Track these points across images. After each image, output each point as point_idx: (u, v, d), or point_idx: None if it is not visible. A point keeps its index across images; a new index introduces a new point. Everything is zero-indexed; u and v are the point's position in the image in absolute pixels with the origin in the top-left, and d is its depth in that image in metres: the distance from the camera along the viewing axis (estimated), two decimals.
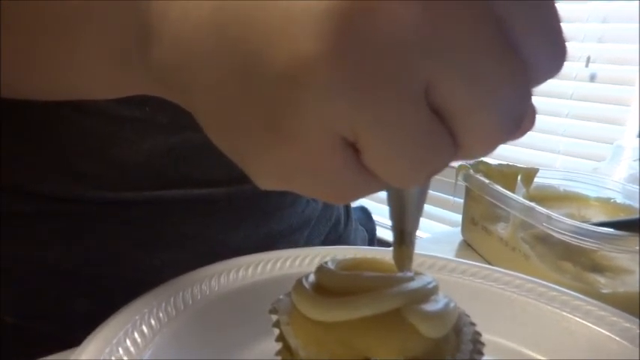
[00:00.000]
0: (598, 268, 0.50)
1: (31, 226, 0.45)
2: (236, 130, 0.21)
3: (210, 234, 0.48)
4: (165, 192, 0.46)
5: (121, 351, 0.29)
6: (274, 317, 0.30)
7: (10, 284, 0.45)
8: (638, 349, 0.34)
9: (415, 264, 0.42)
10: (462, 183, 0.60)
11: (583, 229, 0.45)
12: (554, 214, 0.47)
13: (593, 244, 0.45)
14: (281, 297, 0.31)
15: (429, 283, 0.28)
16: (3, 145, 0.44)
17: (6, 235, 0.44)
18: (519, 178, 0.59)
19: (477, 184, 0.57)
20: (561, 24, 0.19)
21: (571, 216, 0.56)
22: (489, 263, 0.55)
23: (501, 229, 0.56)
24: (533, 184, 0.61)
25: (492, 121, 0.20)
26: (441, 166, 0.21)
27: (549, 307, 0.39)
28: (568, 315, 0.38)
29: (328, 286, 0.28)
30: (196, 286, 0.36)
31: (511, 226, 0.54)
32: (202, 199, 0.48)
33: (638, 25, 1.25)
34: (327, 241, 0.61)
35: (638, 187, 0.62)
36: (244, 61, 0.20)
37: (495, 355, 0.36)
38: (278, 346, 0.29)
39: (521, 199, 0.51)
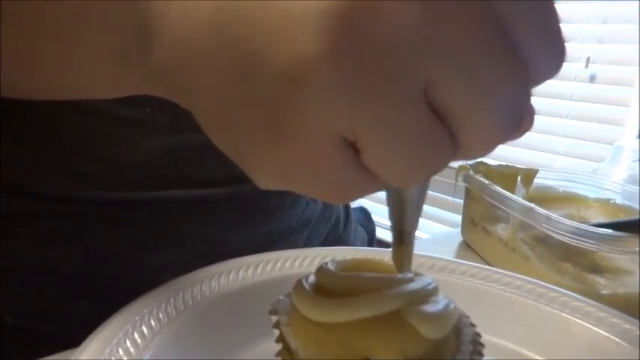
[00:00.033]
0: (598, 269, 0.50)
1: (31, 226, 0.45)
2: (236, 129, 0.21)
3: (210, 234, 0.48)
4: (165, 192, 0.46)
5: (121, 351, 0.29)
6: (274, 318, 0.30)
7: (10, 284, 0.45)
8: (637, 350, 0.34)
9: (415, 265, 0.42)
10: (461, 184, 0.60)
11: (582, 230, 0.45)
12: (553, 215, 0.47)
13: (593, 245, 0.45)
14: (281, 298, 0.31)
15: (429, 284, 0.28)
16: (3, 145, 0.44)
17: (6, 235, 0.44)
18: (519, 179, 0.59)
19: (477, 185, 0.57)
20: (561, 24, 0.19)
21: (571, 217, 0.56)
22: (489, 264, 0.55)
23: (501, 229, 0.56)
24: (533, 185, 0.61)
25: (492, 121, 0.20)
26: (441, 166, 0.21)
27: (549, 308, 0.39)
28: (568, 316, 0.38)
29: (328, 287, 0.28)
30: (196, 287, 0.36)
31: (511, 227, 0.54)
32: (202, 199, 0.48)
33: (637, 25, 1.25)
34: (326, 242, 0.61)
35: (637, 188, 0.62)
36: (244, 61, 0.20)
37: (495, 356, 0.36)
38: (278, 347, 0.29)
39: (520, 200, 0.51)
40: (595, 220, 0.57)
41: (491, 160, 0.62)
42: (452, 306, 0.28)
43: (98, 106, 0.43)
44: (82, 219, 0.45)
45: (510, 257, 0.53)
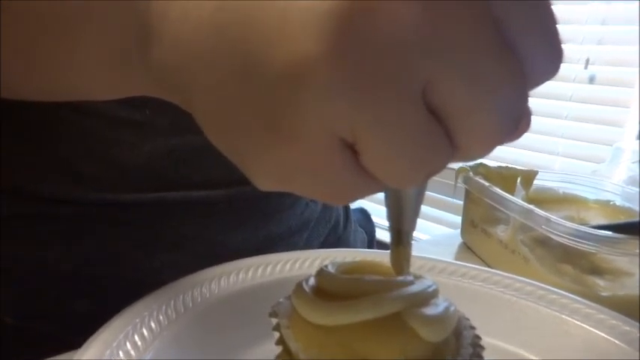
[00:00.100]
0: (597, 271, 0.50)
1: (31, 227, 0.45)
2: (236, 130, 0.21)
3: (209, 235, 0.48)
4: (165, 194, 0.46)
5: (121, 354, 0.29)
6: (274, 320, 0.30)
7: (10, 284, 0.45)
8: (637, 352, 0.34)
9: (415, 267, 0.42)
10: (461, 185, 0.60)
11: (582, 231, 0.45)
12: (553, 217, 0.47)
13: (593, 247, 0.45)
14: (281, 300, 0.31)
15: (429, 286, 0.28)
16: (3, 146, 0.44)
17: (6, 235, 0.44)
18: (519, 180, 0.59)
19: (477, 187, 0.57)
20: (560, 26, 0.19)
21: (570, 218, 0.56)
22: (489, 266, 0.55)
23: (501, 231, 0.56)
24: (533, 187, 0.61)
25: (490, 123, 0.20)
26: (439, 167, 0.21)
27: (548, 310, 0.39)
28: (567, 318, 0.38)
29: (328, 290, 0.28)
30: (197, 289, 0.36)
31: (510, 229, 0.54)
32: (202, 200, 0.48)
33: (637, 26, 1.25)
34: (326, 243, 0.61)
35: (637, 189, 0.62)
36: (244, 62, 0.20)
37: (495, 358, 0.36)
38: (278, 349, 0.29)
39: (520, 202, 0.51)
40: (595, 222, 0.57)
41: (490, 161, 0.62)
42: (452, 309, 0.28)
43: (98, 108, 0.43)
44: (82, 220, 0.45)
45: (510, 259, 0.53)
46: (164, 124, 0.45)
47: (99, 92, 0.32)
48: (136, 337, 0.31)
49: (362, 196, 0.23)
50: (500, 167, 0.61)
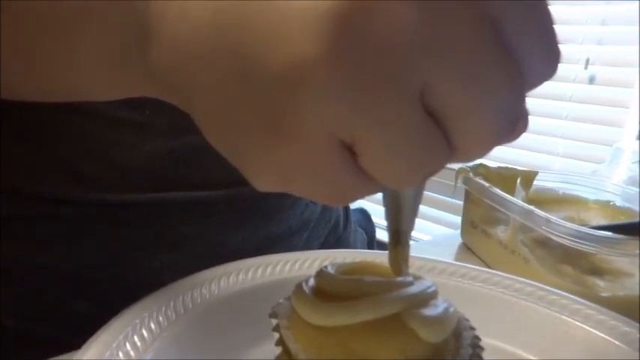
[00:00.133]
0: (597, 271, 0.50)
1: (31, 228, 0.45)
2: (235, 131, 0.21)
3: (209, 236, 0.48)
4: (165, 194, 0.46)
5: (121, 355, 0.29)
6: (274, 321, 0.30)
7: (10, 285, 0.45)
8: (637, 353, 0.34)
9: (415, 268, 0.42)
10: (461, 186, 0.60)
11: (582, 232, 0.45)
12: (553, 218, 0.47)
13: (593, 248, 0.45)
14: (281, 301, 0.31)
15: (429, 287, 0.28)
16: (3, 147, 0.44)
17: (6, 236, 0.44)
18: (519, 181, 0.59)
19: (477, 188, 0.57)
20: (559, 27, 0.19)
21: (570, 219, 0.56)
22: (489, 266, 0.55)
23: (501, 232, 0.56)
24: (533, 187, 0.61)
25: (487, 124, 0.20)
26: (437, 168, 0.21)
27: (548, 311, 0.39)
28: (567, 319, 0.38)
29: (328, 291, 0.28)
30: (196, 290, 0.36)
31: (510, 230, 0.54)
32: (202, 201, 0.48)
33: (637, 27, 1.25)
34: (326, 243, 0.61)
35: (637, 189, 0.62)
36: (244, 64, 0.20)
37: (494, 359, 0.36)
38: (278, 350, 0.29)
39: (520, 203, 0.51)
40: (595, 222, 0.57)
41: (490, 162, 0.62)
42: (451, 309, 0.28)
43: (98, 109, 0.43)
44: (82, 220, 0.45)
45: (510, 260, 0.53)
46: (163, 125, 0.45)
47: (99, 92, 0.32)
48: (136, 338, 0.31)
49: (360, 196, 0.23)
50: (500, 168, 0.61)
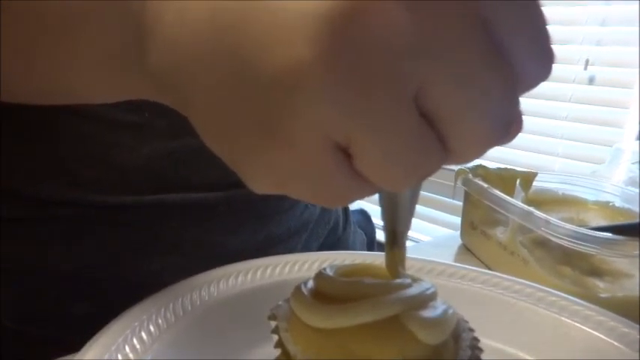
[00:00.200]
0: (597, 272, 0.50)
1: (31, 229, 0.45)
2: (231, 133, 0.21)
3: (209, 237, 0.48)
4: (164, 196, 0.46)
5: (120, 357, 0.29)
6: (273, 323, 0.30)
7: (10, 286, 0.45)
8: (637, 354, 0.34)
9: (414, 269, 0.42)
10: (460, 187, 0.60)
11: (581, 233, 0.45)
12: (552, 219, 0.47)
13: (592, 249, 0.45)
14: (280, 303, 0.31)
15: (428, 289, 0.28)
16: (3, 149, 0.44)
17: (6, 237, 0.44)
18: (518, 182, 0.59)
19: (476, 189, 0.57)
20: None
21: (570, 220, 0.56)
22: (488, 268, 0.55)
23: (500, 233, 0.56)
24: (532, 188, 0.61)
25: (482, 127, 0.20)
26: (433, 170, 0.21)
27: (548, 312, 0.39)
28: (567, 320, 0.38)
29: (327, 293, 0.28)
30: (195, 292, 0.36)
31: (510, 231, 0.54)
32: (201, 203, 0.48)
33: (637, 27, 1.25)
34: (325, 245, 0.61)
35: (637, 190, 0.62)
36: (241, 66, 0.20)
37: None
38: (277, 352, 0.29)
39: (519, 204, 0.51)
40: (594, 223, 0.57)
41: (490, 163, 0.62)
42: (450, 311, 0.28)
43: (97, 111, 0.43)
44: (82, 222, 0.45)
45: (509, 261, 0.53)
46: (163, 127, 0.45)
47: (98, 93, 0.32)
48: (135, 341, 0.31)
49: (356, 198, 0.23)
50: (499, 169, 0.61)
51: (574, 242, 0.45)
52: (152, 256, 0.46)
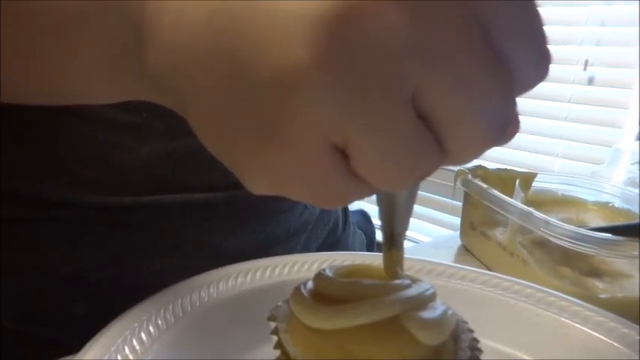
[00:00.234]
0: (596, 273, 0.50)
1: (30, 230, 0.45)
2: (229, 134, 0.22)
3: (208, 238, 0.48)
4: (163, 196, 0.46)
5: (119, 358, 0.29)
6: (273, 324, 0.30)
7: (10, 287, 0.45)
8: (637, 354, 0.34)
9: (414, 270, 0.42)
10: (460, 187, 0.60)
11: (581, 234, 0.45)
12: (551, 220, 0.47)
13: (592, 250, 0.45)
14: (279, 304, 0.31)
15: (427, 290, 0.28)
16: (3, 149, 0.44)
17: (6, 238, 0.44)
18: (518, 182, 0.59)
19: (476, 189, 0.57)
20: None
21: (569, 220, 0.56)
22: (488, 268, 0.55)
23: (500, 234, 0.56)
24: (532, 189, 0.61)
25: (479, 129, 0.20)
26: (430, 171, 0.21)
27: (547, 313, 0.39)
28: (566, 320, 0.38)
29: (326, 294, 0.28)
30: (195, 293, 0.36)
31: (509, 231, 0.54)
32: (201, 203, 0.48)
33: (636, 28, 1.25)
34: (324, 245, 0.61)
35: (636, 190, 0.62)
36: (238, 68, 0.20)
37: None
38: (276, 353, 0.29)
39: (519, 204, 0.51)
40: (594, 224, 0.57)
41: (489, 163, 0.62)
42: (449, 312, 0.28)
43: (96, 112, 0.43)
44: (81, 223, 0.45)
45: (509, 261, 0.53)
46: (161, 127, 0.45)
47: (98, 94, 0.32)
48: (134, 342, 0.31)
49: (353, 200, 0.23)
50: (499, 169, 0.61)
51: (574, 243, 0.45)
52: (152, 257, 0.46)
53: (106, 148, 0.44)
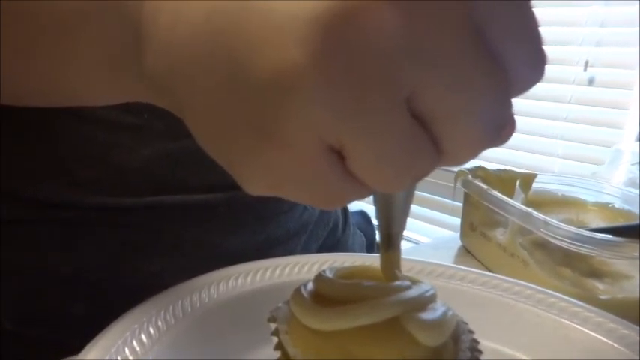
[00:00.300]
0: (596, 274, 0.50)
1: (30, 231, 0.45)
2: (226, 135, 0.22)
3: (208, 239, 0.48)
4: (164, 197, 0.46)
5: (119, 359, 0.29)
6: (273, 325, 0.30)
7: (10, 288, 0.45)
8: (637, 355, 0.34)
9: (414, 271, 0.42)
10: (460, 188, 0.60)
11: (581, 235, 0.45)
12: (552, 221, 0.47)
13: (592, 250, 0.45)
14: (280, 305, 0.31)
15: (427, 291, 0.28)
16: (2, 149, 0.44)
17: (6, 239, 0.44)
18: (518, 183, 0.59)
19: (476, 190, 0.57)
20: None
21: (569, 221, 0.56)
22: (488, 269, 0.55)
23: (500, 234, 0.56)
24: (532, 189, 0.61)
25: (475, 129, 0.20)
26: (426, 171, 0.21)
27: (547, 314, 0.39)
28: (566, 321, 0.38)
29: (327, 295, 0.28)
30: (195, 294, 0.37)
31: (509, 232, 0.54)
32: (201, 204, 0.48)
33: (636, 28, 1.25)
34: (324, 246, 0.61)
35: (636, 191, 0.62)
36: (235, 69, 0.20)
37: None
38: (277, 354, 0.29)
39: (519, 205, 0.51)
40: (594, 225, 0.57)
41: (489, 164, 0.62)
42: (450, 313, 0.28)
43: (96, 112, 0.43)
44: (82, 223, 0.45)
45: (509, 262, 0.53)
46: (161, 128, 0.45)
47: (97, 95, 0.32)
48: (135, 343, 0.31)
49: (350, 200, 0.23)
50: (499, 170, 0.61)
51: (574, 244, 0.46)
52: (152, 257, 0.46)
53: (106, 148, 0.44)
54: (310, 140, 0.20)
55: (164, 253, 0.47)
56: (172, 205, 0.47)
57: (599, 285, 0.48)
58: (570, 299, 0.40)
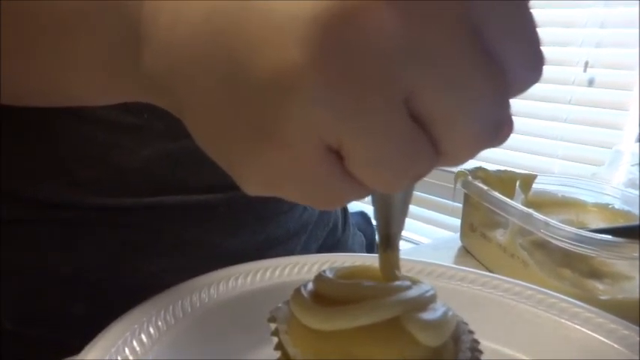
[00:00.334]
0: (596, 274, 0.50)
1: (30, 231, 0.45)
2: (225, 135, 0.22)
3: (209, 239, 0.48)
4: (164, 198, 0.46)
5: (119, 359, 0.29)
6: (273, 325, 0.30)
7: (10, 288, 0.45)
8: (637, 356, 0.34)
9: (414, 271, 0.42)
10: (460, 189, 0.60)
11: (580, 235, 0.45)
12: (552, 221, 0.47)
13: (592, 251, 0.45)
14: (280, 305, 0.31)
15: (427, 291, 0.28)
16: (2, 149, 0.44)
17: (6, 239, 0.44)
18: (518, 184, 0.59)
19: (476, 191, 0.57)
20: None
21: (569, 222, 0.56)
22: (488, 270, 0.55)
23: (500, 235, 0.56)
24: (532, 190, 0.61)
25: (473, 130, 0.20)
26: (424, 172, 0.21)
27: (548, 314, 0.39)
28: (566, 322, 0.38)
29: (327, 295, 0.28)
30: (195, 295, 0.36)
31: (509, 233, 0.54)
32: (201, 204, 0.48)
33: (636, 29, 1.25)
34: (324, 246, 0.61)
35: (636, 192, 0.62)
36: (235, 69, 0.20)
37: None
38: (277, 354, 0.29)
39: (519, 206, 0.51)
40: (594, 225, 0.57)
41: (489, 165, 0.62)
42: (450, 313, 0.28)
43: (96, 112, 0.43)
44: (82, 224, 0.45)
45: (509, 263, 0.53)
46: (161, 128, 0.45)
47: (97, 95, 0.32)
48: (135, 343, 0.31)
49: (349, 201, 0.23)
50: (499, 171, 0.61)
51: (574, 244, 0.45)
52: (152, 257, 0.46)
53: (106, 148, 0.44)
54: (309, 140, 0.20)
55: (164, 253, 0.47)
56: (172, 206, 0.47)
57: (600, 286, 0.48)
58: (570, 300, 0.40)
